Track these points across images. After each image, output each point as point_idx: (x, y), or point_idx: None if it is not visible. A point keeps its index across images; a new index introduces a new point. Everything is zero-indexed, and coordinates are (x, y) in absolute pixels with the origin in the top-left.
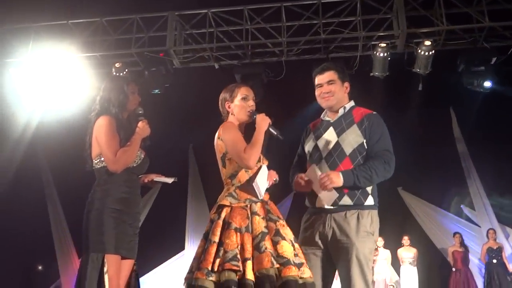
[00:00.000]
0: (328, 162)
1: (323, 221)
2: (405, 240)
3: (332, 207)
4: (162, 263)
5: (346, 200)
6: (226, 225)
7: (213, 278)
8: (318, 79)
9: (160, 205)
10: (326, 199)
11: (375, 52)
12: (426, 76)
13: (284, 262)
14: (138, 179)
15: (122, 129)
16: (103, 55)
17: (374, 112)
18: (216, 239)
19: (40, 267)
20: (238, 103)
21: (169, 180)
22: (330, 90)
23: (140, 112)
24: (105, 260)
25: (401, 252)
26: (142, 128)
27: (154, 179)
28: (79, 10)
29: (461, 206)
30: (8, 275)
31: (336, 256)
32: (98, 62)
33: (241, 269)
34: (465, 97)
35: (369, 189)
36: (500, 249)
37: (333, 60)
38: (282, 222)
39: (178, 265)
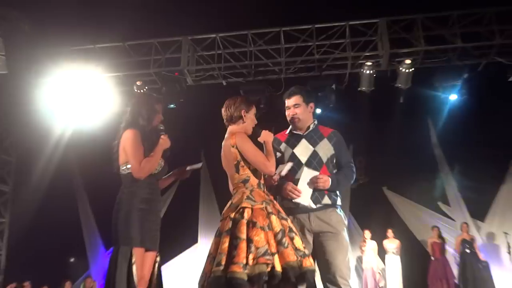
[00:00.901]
0: (310, 167)
1: (308, 219)
2: (389, 232)
3: (314, 206)
4: (178, 254)
5: (327, 200)
6: (251, 224)
7: (247, 270)
8: (287, 102)
9: (176, 205)
10: (308, 202)
11: (362, 70)
12: (407, 90)
13: (302, 255)
14: (158, 182)
15: (146, 141)
16: (125, 75)
17: (336, 130)
18: (244, 236)
19: (72, 259)
20: (252, 116)
21: (198, 165)
22: (296, 112)
23: (162, 128)
24: (133, 252)
25: (386, 243)
26: (164, 141)
27: (187, 169)
28: (104, 35)
29: (438, 202)
30: (45, 267)
31: (322, 245)
32: (121, 81)
33: (273, 262)
34: (440, 107)
35: (338, 192)
36: (472, 241)
37: (325, 77)
38: (289, 219)
39: (192, 256)
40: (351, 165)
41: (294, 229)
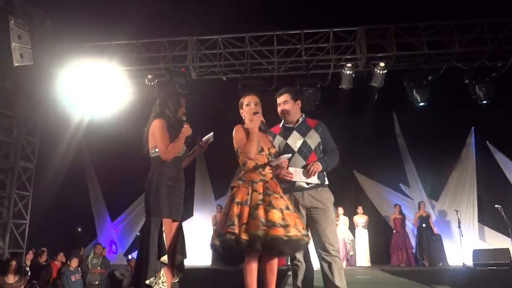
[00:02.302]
0: (301, 155)
1: (302, 196)
2: (359, 209)
3: (307, 186)
4: None
5: (316, 180)
6: (232, 200)
7: (221, 239)
8: (278, 100)
9: None
10: (300, 178)
11: (343, 70)
12: (380, 89)
13: (270, 225)
14: (182, 163)
15: (171, 129)
16: (138, 69)
17: (320, 121)
18: (226, 211)
19: (81, 229)
20: (246, 109)
21: (211, 135)
22: (285, 108)
23: (184, 119)
24: (163, 222)
25: (356, 218)
26: (186, 129)
27: (203, 139)
28: (119, 34)
29: (400, 184)
30: (60, 235)
31: (314, 218)
32: (133, 74)
33: (237, 231)
34: (406, 104)
35: (325, 173)
36: (428, 217)
37: (311, 75)
38: (277, 195)
39: (188, 228)
40: (335, 148)
41: (275, 203)
